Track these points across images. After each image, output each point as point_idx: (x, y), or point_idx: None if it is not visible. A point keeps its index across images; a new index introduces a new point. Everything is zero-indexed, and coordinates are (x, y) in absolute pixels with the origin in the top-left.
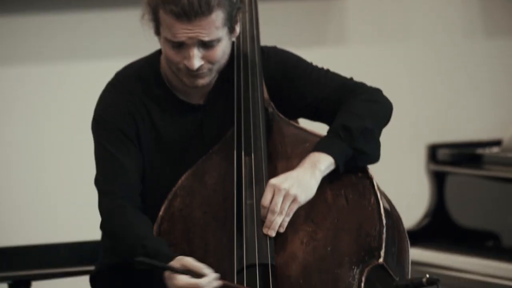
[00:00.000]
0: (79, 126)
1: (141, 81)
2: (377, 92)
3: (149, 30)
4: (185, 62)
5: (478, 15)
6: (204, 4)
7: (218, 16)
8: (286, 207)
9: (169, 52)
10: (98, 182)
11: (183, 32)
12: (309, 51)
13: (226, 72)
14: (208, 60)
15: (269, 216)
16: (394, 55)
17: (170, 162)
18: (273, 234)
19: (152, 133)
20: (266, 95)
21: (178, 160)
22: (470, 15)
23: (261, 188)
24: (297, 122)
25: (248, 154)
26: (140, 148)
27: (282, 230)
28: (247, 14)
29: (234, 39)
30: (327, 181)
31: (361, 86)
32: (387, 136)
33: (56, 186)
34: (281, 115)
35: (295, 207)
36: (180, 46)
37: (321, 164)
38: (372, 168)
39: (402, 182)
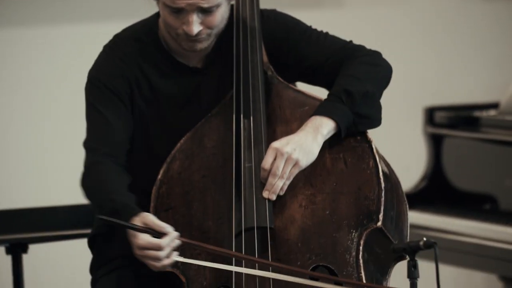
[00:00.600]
0: (75, 89)
1: (138, 43)
2: (377, 55)
3: None
4: (184, 27)
5: None
6: None
7: None
8: (287, 171)
9: (168, 18)
10: (86, 138)
11: None
12: (306, 14)
13: (225, 36)
14: (207, 25)
15: (270, 179)
16: (392, 17)
17: (167, 125)
18: (273, 197)
19: (148, 95)
20: (265, 58)
21: (175, 123)
22: None
23: (260, 151)
24: (295, 86)
25: (247, 116)
26: (134, 111)
27: (282, 193)
28: None
29: (233, 2)
30: (326, 145)
31: (361, 48)
32: (384, 99)
33: (53, 149)
34: (280, 79)
35: (296, 171)
36: (179, 11)
37: (323, 128)
38: (371, 131)
39: (399, 145)
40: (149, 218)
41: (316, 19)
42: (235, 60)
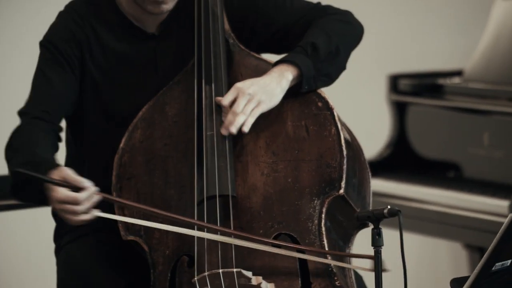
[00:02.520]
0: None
1: (94, 6)
2: (348, 13)
3: None
4: None
5: None
6: None
7: None
8: (249, 109)
9: None
10: (23, 106)
11: None
12: None
13: (181, 1)
14: None
15: (230, 116)
16: None
17: (123, 92)
18: (234, 131)
19: (103, 59)
20: (227, 25)
21: (130, 88)
22: None
23: (221, 118)
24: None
25: (208, 84)
26: (85, 76)
27: (246, 129)
28: None
29: None
30: (288, 111)
31: (331, 8)
32: (348, 66)
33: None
34: (242, 46)
35: (259, 111)
36: None
37: (288, 73)
38: (333, 99)
39: (363, 112)
40: (67, 172)
41: None
42: (196, 27)
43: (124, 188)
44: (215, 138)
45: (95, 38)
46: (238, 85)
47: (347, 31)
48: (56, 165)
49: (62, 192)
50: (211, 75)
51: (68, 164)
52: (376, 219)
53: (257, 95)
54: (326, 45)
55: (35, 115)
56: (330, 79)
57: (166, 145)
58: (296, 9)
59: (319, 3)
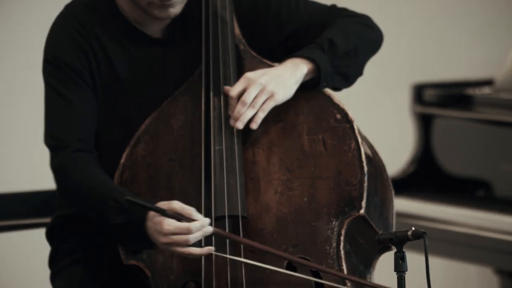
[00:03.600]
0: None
1: (94, 12)
2: (367, 17)
3: None
4: None
5: None
6: None
7: None
8: (260, 101)
9: None
10: (48, 133)
11: None
12: None
13: (188, 4)
14: None
15: (239, 107)
16: None
17: (128, 102)
18: (240, 126)
19: (108, 70)
20: (237, 30)
21: (137, 100)
22: None
23: (231, 132)
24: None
25: (217, 94)
26: (94, 88)
27: (254, 126)
28: None
29: None
30: (304, 124)
31: (348, 10)
32: (368, 75)
33: (8, 130)
34: (253, 53)
35: (271, 105)
36: None
37: (303, 66)
38: (352, 110)
39: (385, 125)
40: (176, 204)
41: None
42: (203, 32)
43: None
44: (224, 153)
45: (99, 46)
46: (249, 74)
47: (366, 34)
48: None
49: (172, 224)
50: (220, 85)
51: None
52: (400, 241)
53: (269, 85)
54: (344, 44)
55: (76, 148)
56: (346, 80)
57: (171, 161)
58: (310, 12)
59: (334, 5)
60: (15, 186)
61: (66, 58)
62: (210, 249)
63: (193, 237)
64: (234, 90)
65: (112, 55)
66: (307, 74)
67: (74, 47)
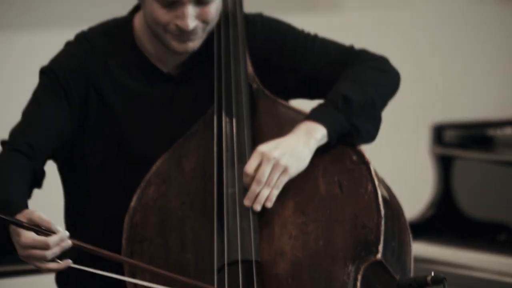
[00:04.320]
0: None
1: (109, 39)
2: (384, 60)
3: None
4: (178, 22)
5: None
6: None
7: None
8: (274, 178)
9: (158, 12)
10: (11, 130)
11: None
12: (299, 19)
13: (205, 41)
14: (202, 19)
15: (254, 186)
16: (394, 23)
17: (133, 137)
18: (258, 208)
19: (114, 97)
20: (250, 69)
21: (144, 131)
22: None
23: (246, 211)
24: (285, 101)
25: (229, 135)
26: (87, 116)
27: (269, 204)
28: None
29: None
30: (319, 166)
31: (365, 53)
32: (386, 115)
33: None
34: (267, 92)
35: (285, 180)
36: (172, 4)
37: (317, 132)
38: (370, 152)
39: (403, 167)
40: (35, 214)
41: (310, 24)
42: (216, 71)
43: (136, 252)
44: (237, 195)
45: (106, 73)
46: (262, 149)
47: (383, 81)
48: (22, 208)
49: (30, 236)
50: (233, 125)
51: (67, 222)
52: (419, 287)
53: (283, 159)
54: (360, 98)
55: (16, 147)
56: (366, 136)
57: (182, 204)
58: (326, 53)
59: (352, 47)
60: None
61: (59, 72)
62: (68, 262)
63: (51, 253)
64: (250, 168)
65: (118, 83)
66: (321, 139)
67: (74, 66)
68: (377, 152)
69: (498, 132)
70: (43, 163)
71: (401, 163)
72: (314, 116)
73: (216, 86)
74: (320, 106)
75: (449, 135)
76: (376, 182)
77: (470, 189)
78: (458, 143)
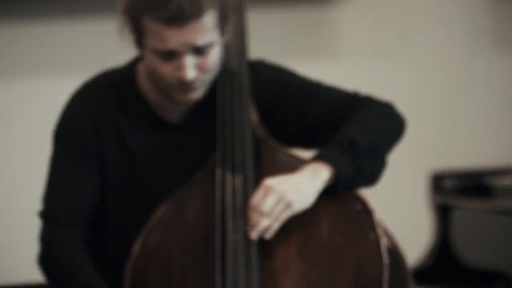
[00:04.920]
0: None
1: (113, 90)
2: (389, 105)
3: (127, 44)
4: (178, 73)
5: (486, 25)
6: (195, 6)
7: (210, 17)
8: (277, 211)
9: (159, 66)
10: (43, 203)
11: (175, 38)
12: (299, 66)
13: (209, 90)
14: (202, 69)
15: (256, 216)
16: (393, 71)
17: (142, 186)
18: (255, 236)
19: (120, 152)
20: (254, 117)
21: (152, 185)
22: (477, 25)
23: (247, 240)
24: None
25: (232, 184)
26: (103, 168)
27: (268, 236)
28: (233, 25)
29: (226, 39)
30: (323, 213)
31: (370, 99)
32: None
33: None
34: (271, 141)
35: (287, 214)
36: (171, 56)
37: (323, 172)
38: (368, 199)
39: (401, 216)
40: None
41: (309, 71)
42: (219, 120)
43: None
44: (240, 244)
45: (115, 126)
46: (267, 182)
47: (388, 125)
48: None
49: None
50: (236, 173)
51: None
52: None
53: (288, 194)
54: (365, 141)
55: (66, 222)
56: (373, 179)
57: (184, 252)
58: (331, 101)
59: (357, 94)
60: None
61: (76, 133)
62: None
63: None
64: (255, 200)
65: (127, 137)
66: (328, 180)
67: (87, 125)
68: (375, 200)
69: (497, 181)
70: (88, 228)
71: (399, 211)
72: (321, 157)
73: (219, 134)
74: (326, 148)
75: (447, 183)
76: (379, 231)
77: (468, 238)
78: (456, 191)
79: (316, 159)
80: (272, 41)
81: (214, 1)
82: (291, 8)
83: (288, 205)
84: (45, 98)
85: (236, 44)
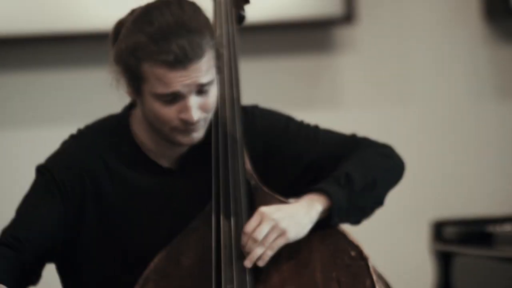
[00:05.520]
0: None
1: (107, 136)
2: (388, 147)
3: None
4: (182, 116)
5: (488, 72)
6: (196, 47)
7: (209, 55)
8: (270, 239)
9: (161, 111)
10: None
11: (179, 80)
12: (300, 116)
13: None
14: (204, 109)
15: (249, 244)
16: (393, 120)
17: (131, 231)
18: (249, 265)
19: (112, 194)
20: (248, 165)
21: (141, 230)
22: (479, 72)
23: (242, 270)
24: (283, 197)
25: (228, 233)
26: (85, 214)
27: (261, 264)
28: (226, 74)
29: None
30: (317, 262)
31: (369, 140)
32: (385, 210)
33: None
34: (265, 188)
35: (281, 243)
36: (174, 99)
37: (318, 204)
38: (368, 247)
39: (402, 263)
40: None
41: (311, 122)
42: (213, 168)
43: None
44: None
45: (104, 170)
46: (263, 209)
47: (386, 165)
48: None
49: None
50: (231, 223)
51: None
52: None
53: (283, 222)
54: (362, 177)
55: (3, 241)
56: (364, 214)
57: None
58: (329, 143)
59: (354, 135)
60: None
61: (55, 171)
62: None
63: None
64: (249, 227)
65: (117, 180)
66: (322, 212)
67: (70, 164)
68: (376, 248)
69: (498, 229)
70: (35, 259)
71: (401, 258)
72: (317, 189)
73: (214, 183)
74: (323, 182)
75: (448, 231)
76: (375, 278)
77: (470, 285)
78: (457, 239)
79: (312, 191)
80: (268, 90)
81: (210, 40)
82: (291, 57)
83: (282, 233)
84: (41, 147)
85: (230, 93)
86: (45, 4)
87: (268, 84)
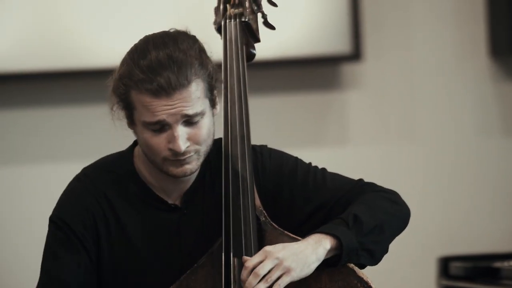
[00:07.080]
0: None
1: (111, 174)
2: (395, 193)
3: (122, 127)
4: (170, 146)
5: (493, 110)
6: (182, 76)
7: (198, 86)
8: (274, 276)
9: (151, 141)
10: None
11: (164, 108)
12: (306, 153)
13: (206, 169)
14: (194, 140)
15: (250, 279)
16: (400, 157)
17: (139, 268)
18: None
19: (118, 233)
20: (258, 202)
21: (149, 266)
22: (484, 110)
23: None
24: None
25: (238, 267)
26: (99, 256)
27: None
28: (236, 111)
29: (217, 113)
30: None
31: (376, 185)
32: (393, 246)
33: None
34: (274, 225)
35: (286, 281)
36: (162, 129)
37: (326, 242)
38: (376, 283)
39: None
40: None
41: (319, 158)
42: (223, 204)
43: None
44: None
45: (110, 209)
46: (268, 248)
47: (393, 211)
48: None
49: None
50: (241, 258)
51: None
52: None
53: (287, 261)
54: (370, 220)
55: None
56: (373, 258)
57: None
58: (337, 188)
59: (361, 180)
60: None
61: (70, 221)
62: None
63: None
64: (250, 262)
65: (124, 219)
66: (330, 251)
67: (82, 210)
68: (383, 284)
69: (505, 265)
70: None
71: None
72: (325, 229)
73: (224, 220)
74: (331, 222)
75: (455, 267)
76: None
77: None
78: (464, 275)
79: (319, 231)
80: (277, 127)
81: (200, 71)
82: (298, 93)
83: (287, 270)
84: (49, 183)
85: (240, 130)
86: (52, 41)
87: (276, 120)
